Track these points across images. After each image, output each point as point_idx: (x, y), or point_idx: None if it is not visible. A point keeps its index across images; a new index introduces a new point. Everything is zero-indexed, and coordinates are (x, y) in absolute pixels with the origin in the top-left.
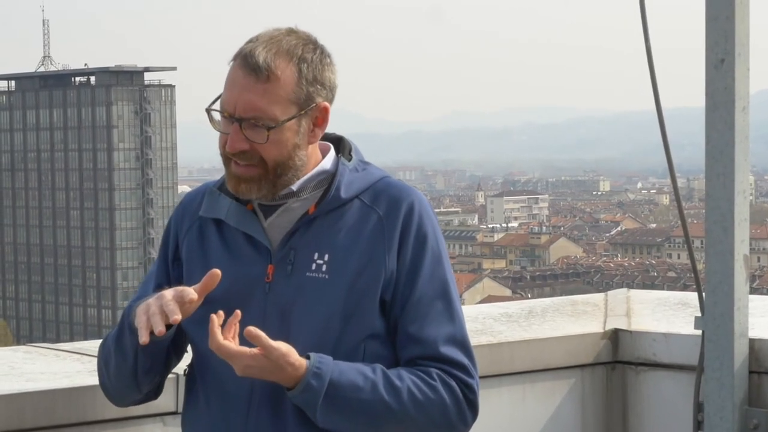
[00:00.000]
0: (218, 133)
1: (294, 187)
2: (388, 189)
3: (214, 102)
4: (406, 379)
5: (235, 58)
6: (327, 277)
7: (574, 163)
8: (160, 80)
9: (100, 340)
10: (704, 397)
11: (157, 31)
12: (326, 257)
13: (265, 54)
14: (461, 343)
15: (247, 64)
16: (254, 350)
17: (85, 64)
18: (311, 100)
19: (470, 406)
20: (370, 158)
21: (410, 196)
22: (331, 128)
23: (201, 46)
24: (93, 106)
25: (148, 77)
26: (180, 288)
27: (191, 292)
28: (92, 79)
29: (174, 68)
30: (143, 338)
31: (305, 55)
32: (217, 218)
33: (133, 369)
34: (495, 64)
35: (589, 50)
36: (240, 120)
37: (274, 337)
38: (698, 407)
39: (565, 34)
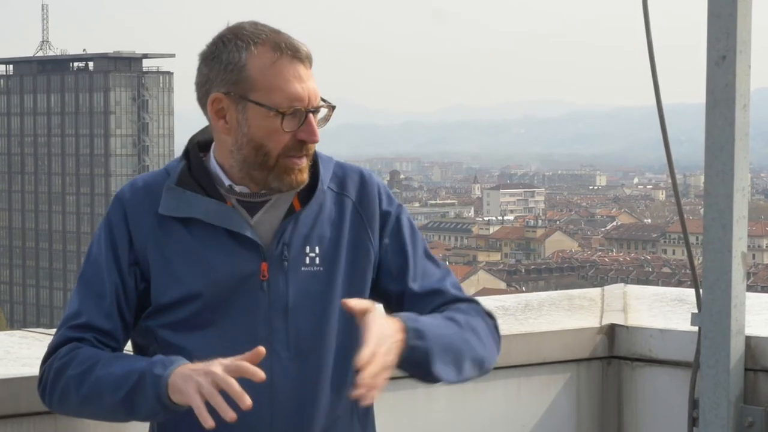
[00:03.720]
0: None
1: None
2: (347, 172)
3: (260, 104)
4: (455, 315)
5: (279, 51)
6: (321, 269)
7: (571, 158)
8: (158, 67)
9: None
10: (700, 393)
11: (157, 17)
12: (317, 250)
13: (299, 41)
14: (460, 287)
15: (298, 54)
16: (381, 360)
17: (84, 50)
18: None
19: (498, 331)
20: (367, 149)
21: (365, 174)
22: (330, 119)
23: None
24: (91, 91)
25: (146, 64)
26: (232, 364)
27: (259, 373)
28: (90, 64)
29: (173, 55)
30: (209, 423)
31: None
32: (186, 217)
33: (127, 419)
34: (495, 56)
35: (590, 46)
36: (314, 110)
37: (278, 335)
38: (693, 404)
39: (566, 29)
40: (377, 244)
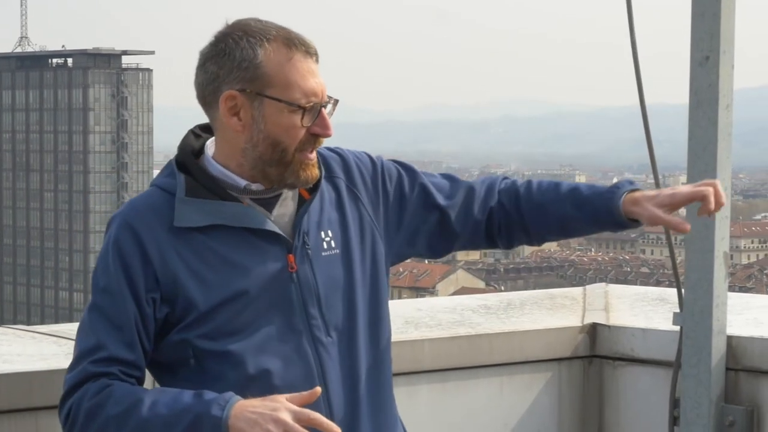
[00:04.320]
0: (272, 125)
1: None
2: (326, 157)
3: (279, 99)
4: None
5: (292, 47)
6: (338, 251)
7: (551, 157)
8: (137, 64)
9: (77, 324)
10: (681, 393)
11: (136, 14)
12: (330, 234)
13: (306, 37)
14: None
15: (308, 50)
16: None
17: (63, 46)
18: None
19: None
20: (347, 146)
21: (340, 152)
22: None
23: (180, 30)
24: (70, 88)
25: (126, 60)
26: (303, 413)
27: (333, 427)
28: (69, 61)
29: (152, 52)
30: None
31: None
32: (201, 225)
33: None
34: (476, 55)
35: (571, 45)
36: (325, 105)
37: (316, 322)
38: (674, 403)
39: (548, 28)
40: (381, 209)
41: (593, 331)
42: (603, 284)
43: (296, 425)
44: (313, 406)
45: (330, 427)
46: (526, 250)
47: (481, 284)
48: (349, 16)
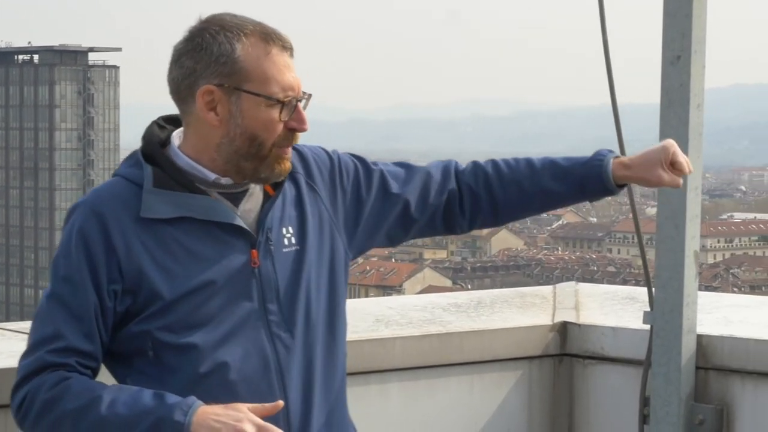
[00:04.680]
0: (247, 121)
1: None
2: None
3: (258, 93)
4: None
5: (270, 42)
6: (298, 247)
7: (519, 156)
8: (104, 61)
9: None
10: (651, 391)
11: (103, 11)
12: (291, 230)
13: (281, 32)
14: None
15: (285, 46)
16: None
17: (29, 42)
18: None
19: None
20: (316, 144)
21: (298, 148)
22: None
23: (147, 28)
24: (36, 84)
25: (92, 57)
26: (266, 427)
27: None
28: (36, 57)
29: (119, 49)
30: None
31: None
32: (168, 217)
33: None
34: (445, 55)
35: (539, 45)
36: (300, 99)
37: (275, 317)
38: (644, 401)
39: (515, 29)
40: (341, 201)
41: (563, 329)
42: (573, 283)
43: None
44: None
45: None
46: (493, 249)
47: (448, 282)
48: (318, 11)
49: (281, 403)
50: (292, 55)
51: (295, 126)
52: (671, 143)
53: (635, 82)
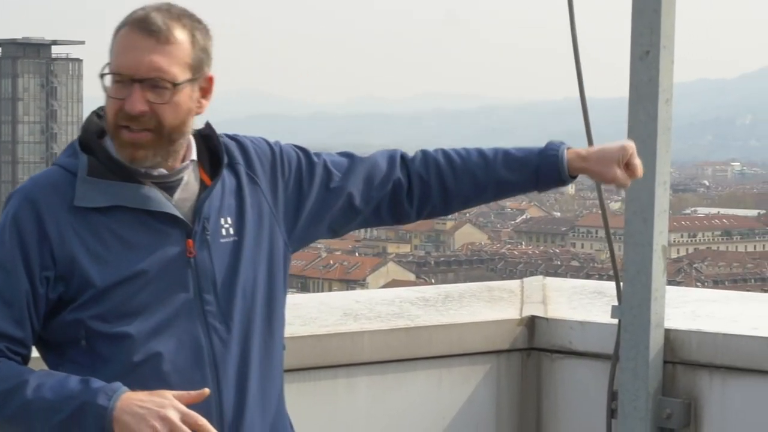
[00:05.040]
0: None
1: (194, 157)
2: (226, 141)
3: (104, 67)
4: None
5: (126, 24)
6: (236, 238)
7: None
8: (67, 54)
9: None
10: (619, 385)
11: (67, 3)
12: (229, 220)
13: (162, 18)
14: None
15: (145, 27)
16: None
17: None
18: (201, 67)
19: None
20: (279, 138)
21: (239, 138)
22: (241, 107)
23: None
24: None
25: (55, 50)
26: (190, 416)
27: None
28: None
29: (82, 42)
30: None
31: (194, 23)
32: (103, 206)
33: None
34: (408, 48)
35: (503, 40)
36: (141, 80)
37: (211, 308)
38: (612, 396)
39: (481, 23)
40: (273, 202)
41: (531, 323)
42: (540, 277)
43: (183, 426)
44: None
45: None
46: (457, 243)
47: (412, 276)
48: (281, 3)
49: (207, 390)
50: (157, 37)
51: (116, 105)
52: (631, 144)
53: (600, 78)
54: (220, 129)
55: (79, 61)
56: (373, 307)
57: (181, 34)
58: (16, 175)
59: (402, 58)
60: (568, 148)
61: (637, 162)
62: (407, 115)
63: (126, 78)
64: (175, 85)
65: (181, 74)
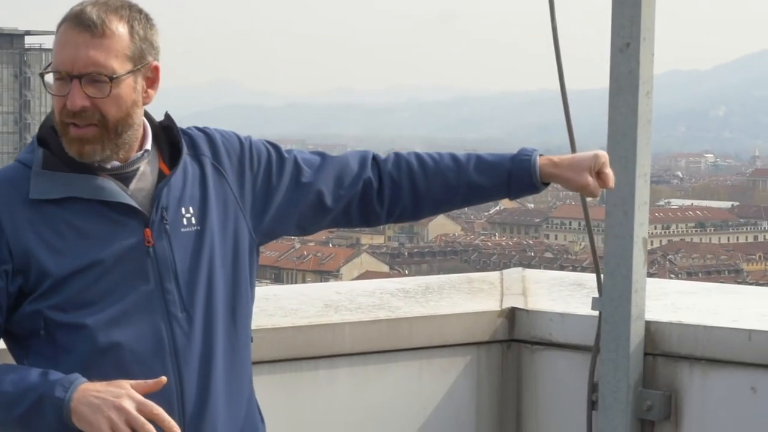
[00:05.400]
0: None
1: (148, 147)
2: (192, 135)
3: (47, 67)
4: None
5: (65, 20)
6: (199, 228)
7: (455, 142)
8: (41, 44)
9: None
10: (599, 377)
11: None
12: (191, 210)
13: (98, 11)
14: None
15: (80, 22)
16: None
17: None
18: (144, 57)
19: None
20: (252, 130)
21: (207, 131)
22: (213, 98)
23: None
24: None
25: (28, 41)
26: (146, 405)
27: (174, 426)
28: None
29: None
30: None
31: (133, 14)
32: (58, 198)
33: None
34: (381, 39)
35: (476, 32)
36: (80, 76)
37: (172, 297)
38: (593, 387)
39: (454, 15)
40: (249, 186)
41: (512, 315)
42: (520, 269)
43: (138, 416)
44: (165, 385)
45: (170, 426)
46: (431, 234)
47: (385, 268)
48: None
49: (164, 379)
50: (92, 31)
51: (60, 102)
52: (603, 154)
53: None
54: (191, 120)
55: (52, 51)
56: (354, 299)
57: (118, 27)
58: None
59: (375, 51)
60: (541, 155)
61: (609, 172)
62: (381, 107)
63: (65, 75)
64: (113, 78)
65: (120, 67)
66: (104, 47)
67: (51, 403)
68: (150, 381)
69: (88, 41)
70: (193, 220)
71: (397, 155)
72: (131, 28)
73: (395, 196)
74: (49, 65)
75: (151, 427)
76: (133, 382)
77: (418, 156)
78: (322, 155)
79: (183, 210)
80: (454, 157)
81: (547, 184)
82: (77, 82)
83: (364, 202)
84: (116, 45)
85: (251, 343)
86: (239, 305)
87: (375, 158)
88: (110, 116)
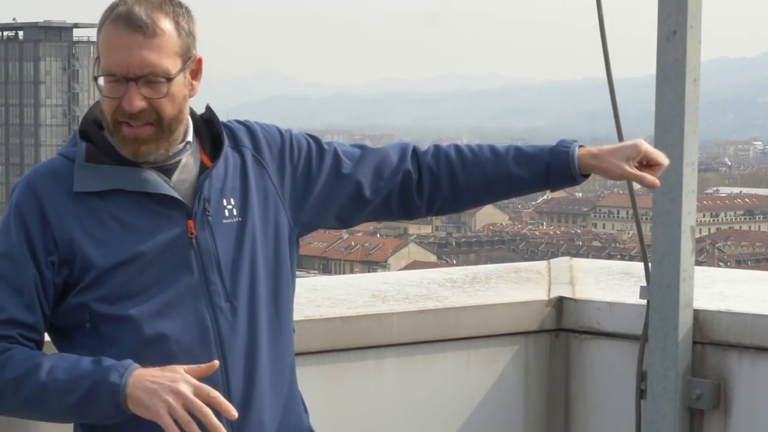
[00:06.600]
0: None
1: (190, 139)
2: (233, 128)
3: (96, 66)
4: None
5: (112, 20)
6: (240, 219)
7: (502, 131)
8: (89, 37)
9: None
10: (647, 366)
11: None
12: (233, 201)
13: (146, 11)
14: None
15: (130, 23)
16: None
17: (14, 19)
18: (189, 51)
19: None
20: (299, 120)
21: (248, 124)
22: (260, 90)
23: None
24: (21, 61)
25: (77, 33)
26: (203, 390)
27: (232, 411)
28: (20, 34)
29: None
30: None
31: (176, 9)
32: (101, 190)
33: (75, 422)
34: (429, 30)
35: (522, 23)
36: (136, 78)
37: (215, 287)
38: (641, 376)
39: (498, 7)
40: (280, 185)
41: (559, 304)
42: (567, 258)
43: (196, 399)
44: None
45: (227, 408)
46: (478, 224)
47: (433, 258)
48: None
49: (216, 362)
50: (144, 32)
51: (112, 105)
52: (642, 142)
53: (623, 58)
54: (239, 111)
55: (99, 52)
56: (402, 289)
57: (166, 24)
58: (39, 158)
59: (424, 40)
60: (580, 146)
61: (658, 153)
62: (429, 96)
63: (120, 77)
64: (170, 78)
65: (172, 65)
66: (156, 47)
67: (106, 388)
68: (203, 365)
69: (141, 42)
70: (235, 212)
71: (437, 147)
72: (177, 24)
73: (434, 188)
74: (96, 65)
75: (208, 410)
76: (186, 366)
77: (457, 148)
78: (363, 147)
79: (225, 201)
80: (493, 149)
81: (586, 176)
82: (133, 84)
83: (404, 194)
84: (167, 44)
85: (293, 333)
86: (281, 295)
87: (415, 150)
88: (166, 115)
